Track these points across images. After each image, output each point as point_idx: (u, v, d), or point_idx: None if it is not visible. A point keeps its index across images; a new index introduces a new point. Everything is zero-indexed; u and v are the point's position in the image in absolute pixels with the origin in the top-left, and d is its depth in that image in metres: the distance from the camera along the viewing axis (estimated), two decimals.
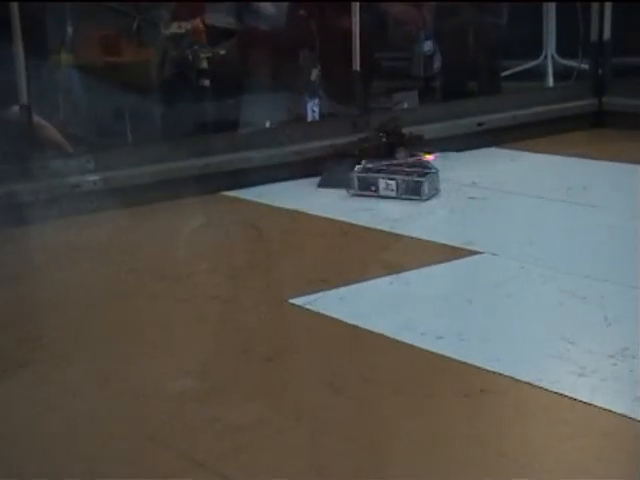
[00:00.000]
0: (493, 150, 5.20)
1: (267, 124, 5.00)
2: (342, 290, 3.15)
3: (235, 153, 4.56)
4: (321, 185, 4.50)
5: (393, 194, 4.22)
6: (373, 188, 4.28)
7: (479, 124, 5.25)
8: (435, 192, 4.25)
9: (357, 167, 4.39)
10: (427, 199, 4.20)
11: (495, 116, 5.32)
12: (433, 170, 4.32)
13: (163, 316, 3.03)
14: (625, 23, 5.74)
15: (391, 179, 4.24)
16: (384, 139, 4.66)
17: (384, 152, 4.58)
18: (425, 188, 4.20)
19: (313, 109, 5.34)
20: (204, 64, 4.83)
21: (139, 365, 2.67)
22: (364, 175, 4.32)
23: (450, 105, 5.37)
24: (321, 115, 5.38)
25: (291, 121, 5.26)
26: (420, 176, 4.24)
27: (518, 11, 6.24)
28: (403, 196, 4.21)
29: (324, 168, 4.56)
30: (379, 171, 4.32)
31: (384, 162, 4.34)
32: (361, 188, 4.31)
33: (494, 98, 5.56)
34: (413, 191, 4.22)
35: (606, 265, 3.36)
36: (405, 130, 4.76)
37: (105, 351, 2.75)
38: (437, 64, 5.93)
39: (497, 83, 6.06)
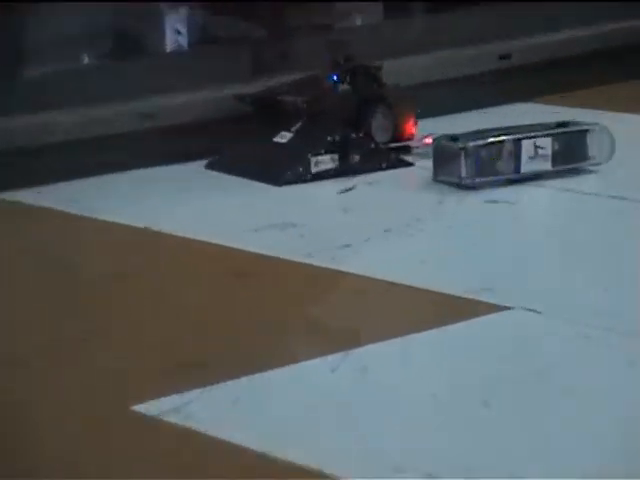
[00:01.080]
0: (531, 107, 5.35)
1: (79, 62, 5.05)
2: (236, 385, 3.18)
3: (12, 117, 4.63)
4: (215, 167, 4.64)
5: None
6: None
7: (502, 57, 5.36)
8: None
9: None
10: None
11: (534, 41, 5.47)
12: None
13: None
14: None
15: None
16: (343, 84, 4.80)
17: (352, 115, 4.72)
18: None
19: (177, 28, 5.37)
20: None
21: None
22: None
23: (444, 19, 5.46)
24: (193, 40, 5.42)
25: (131, 54, 5.30)
26: None
27: None
28: None
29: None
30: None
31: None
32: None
33: (535, 5, 5.67)
34: None
35: None
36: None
37: None
38: None
39: None
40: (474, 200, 4.42)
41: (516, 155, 4.47)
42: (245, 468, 2.89)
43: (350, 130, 4.65)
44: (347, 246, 4.03)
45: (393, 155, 4.69)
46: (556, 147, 4.51)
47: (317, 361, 3.32)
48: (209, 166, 4.71)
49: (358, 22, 5.79)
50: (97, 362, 3.41)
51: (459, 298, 3.66)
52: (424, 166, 4.68)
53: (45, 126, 4.64)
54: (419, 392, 3.21)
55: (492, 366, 3.32)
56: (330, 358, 3.32)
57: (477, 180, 4.43)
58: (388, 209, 4.35)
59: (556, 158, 4.51)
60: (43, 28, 5.03)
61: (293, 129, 4.64)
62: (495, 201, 4.29)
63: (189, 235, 4.18)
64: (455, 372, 3.33)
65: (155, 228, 4.23)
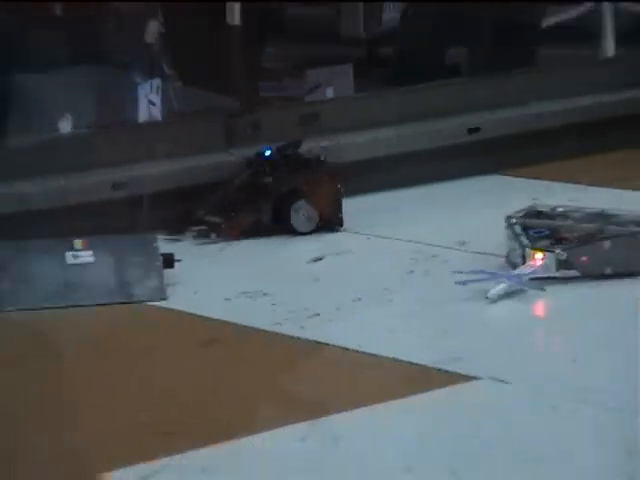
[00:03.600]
0: (497, 179, 5.38)
1: (60, 129, 5.04)
2: (206, 454, 3.16)
3: None
4: None
5: None
6: None
7: (471, 130, 5.38)
8: None
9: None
10: None
11: (500, 115, 5.47)
12: None
13: None
14: None
15: None
16: (266, 177, 4.76)
17: (265, 209, 4.68)
18: None
19: (150, 99, 5.39)
20: None
21: None
22: None
23: (413, 94, 5.47)
24: (166, 112, 5.44)
25: (107, 124, 5.30)
26: None
27: None
28: None
29: None
30: None
31: None
32: None
33: (501, 81, 5.69)
34: None
35: None
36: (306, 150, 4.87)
37: None
38: (389, 14, 6.06)
39: (525, 48, 6.20)
40: (442, 271, 4.40)
41: None
42: None
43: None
44: (315, 315, 4.01)
45: None
46: None
47: (286, 429, 3.30)
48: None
49: (328, 94, 5.81)
50: (62, 431, 3.39)
51: (427, 368, 3.64)
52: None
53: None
54: (388, 461, 3.20)
55: (460, 435, 3.31)
56: (299, 426, 3.30)
57: None
58: (357, 279, 4.31)
59: None
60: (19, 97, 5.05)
61: None
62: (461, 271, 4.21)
63: (165, 305, 4.18)
64: (423, 441, 3.32)
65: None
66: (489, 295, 3.81)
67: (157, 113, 5.41)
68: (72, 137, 4.99)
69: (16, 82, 5.10)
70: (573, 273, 3.95)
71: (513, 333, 3.94)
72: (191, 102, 5.52)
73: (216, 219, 4.66)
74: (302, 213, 4.68)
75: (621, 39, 6.77)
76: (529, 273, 3.92)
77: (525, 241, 4.03)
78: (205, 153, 4.95)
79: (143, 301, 4.20)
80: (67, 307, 4.19)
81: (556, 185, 5.21)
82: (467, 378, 3.57)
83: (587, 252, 3.98)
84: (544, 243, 4.01)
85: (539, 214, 4.24)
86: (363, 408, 3.42)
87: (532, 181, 5.28)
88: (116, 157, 4.84)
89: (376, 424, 3.37)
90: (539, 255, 3.95)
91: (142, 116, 5.38)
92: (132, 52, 5.43)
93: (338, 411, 3.39)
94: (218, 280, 4.39)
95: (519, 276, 3.89)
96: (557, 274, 3.93)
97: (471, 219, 4.84)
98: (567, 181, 5.24)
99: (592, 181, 5.24)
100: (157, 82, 5.40)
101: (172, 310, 4.15)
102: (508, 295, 3.84)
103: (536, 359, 3.76)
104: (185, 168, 4.88)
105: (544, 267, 3.93)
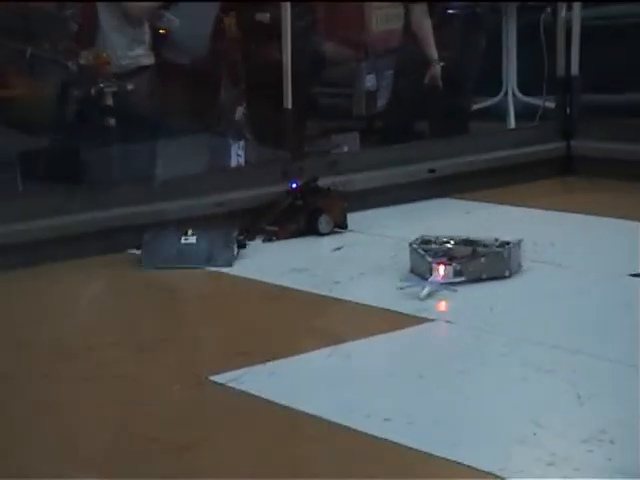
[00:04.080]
0: (447, 201, 5.27)
1: (183, 170, 5.01)
2: (272, 365, 3.14)
3: (145, 204, 4.56)
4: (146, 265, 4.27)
5: None
6: None
7: (430, 171, 5.31)
8: None
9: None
10: None
11: (448, 162, 5.39)
12: None
13: (58, 399, 2.98)
14: (595, 56, 5.90)
15: None
16: (298, 201, 4.69)
17: (301, 221, 4.63)
18: None
19: (238, 153, 5.38)
20: (109, 101, 4.83)
21: (27, 460, 2.62)
22: None
23: (396, 149, 5.44)
24: (247, 160, 5.42)
25: (212, 167, 5.29)
26: None
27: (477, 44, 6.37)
28: None
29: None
30: None
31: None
32: None
33: (448, 141, 5.65)
34: None
35: (577, 334, 3.39)
36: (328, 184, 4.79)
37: None
38: (381, 101, 6.02)
39: (462, 123, 6.16)
40: None
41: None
42: (274, 415, 2.86)
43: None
44: (337, 282, 3.98)
45: None
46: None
47: (319, 351, 3.29)
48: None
49: (345, 149, 5.79)
50: (183, 351, 3.36)
51: (405, 314, 3.59)
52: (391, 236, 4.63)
53: None
54: (380, 369, 3.18)
55: (425, 354, 3.29)
56: (326, 349, 3.29)
57: None
58: (363, 261, 4.27)
59: None
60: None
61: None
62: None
63: (245, 275, 4.12)
64: (403, 355, 3.30)
65: (223, 270, 4.16)
66: (420, 296, 3.68)
67: (242, 161, 5.40)
68: (193, 176, 4.93)
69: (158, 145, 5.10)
70: (463, 279, 3.81)
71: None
72: (262, 155, 5.49)
73: (273, 228, 4.62)
74: (324, 221, 4.64)
75: (518, 117, 6.76)
76: (440, 280, 3.77)
77: (429, 258, 3.85)
78: (270, 185, 4.91)
79: (221, 265, 4.16)
80: (180, 268, 4.16)
81: (480, 203, 5.16)
82: (427, 320, 3.55)
83: (472, 265, 3.86)
84: (443, 259, 3.84)
85: (428, 241, 4.03)
86: (366, 338, 3.39)
87: (467, 202, 5.23)
88: (218, 187, 4.82)
89: (373, 347, 3.36)
90: (442, 267, 3.79)
91: (233, 163, 5.37)
92: (227, 125, 5.42)
93: (350, 340, 3.37)
94: (274, 261, 4.32)
95: (435, 282, 3.74)
96: (454, 279, 3.78)
97: (431, 223, 4.82)
98: (487, 201, 5.19)
99: (500, 201, 5.19)
100: (242, 143, 5.40)
101: (244, 278, 4.08)
102: (431, 294, 3.71)
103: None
104: (258, 194, 4.84)
105: (445, 276, 3.79)
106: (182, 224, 4.37)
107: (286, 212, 4.66)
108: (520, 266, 3.98)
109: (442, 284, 3.76)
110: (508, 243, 3.98)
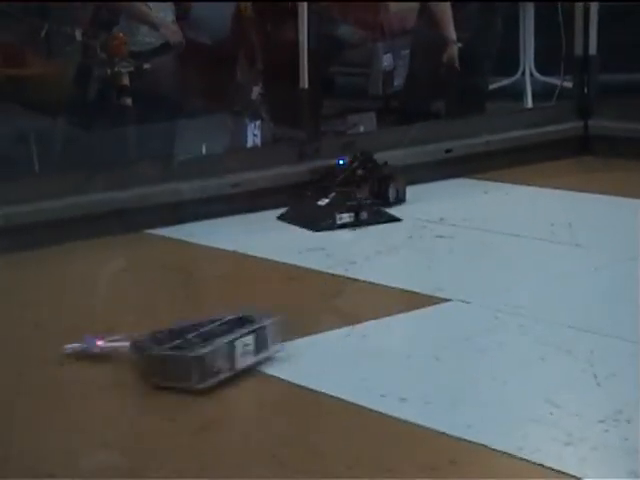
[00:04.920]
0: (463, 181, 5.25)
1: (200, 151, 5.01)
2: (289, 345, 3.14)
3: (162, 185, 4.56)
4: (282, 218, 4.55)
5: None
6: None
7: (447, 151, 5.30)
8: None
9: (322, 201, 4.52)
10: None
11: (465, 142, 5.38)
12: None
13: (77, 380, 2.98)
14: (613, 35, 5.87)
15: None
16: (359, 171, 4.72)
17: (373, 190, 4.67)
18: None
19: (254, 133, 5.38)
20: (125, 80, 4.83)
21: (47, 443, 2.63)
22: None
23: (413, 128, 5.42)
24: (263, 140, 5.42)
25: (229, 147, 5.29)
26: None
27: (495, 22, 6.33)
28: None
29: (290, 199, 4.64)
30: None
31: None
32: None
33: (464, 121, 5.63)
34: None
35: (595, 314, 3.39)
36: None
37: None
38: (398, 81, 6.00)
39: (479, 103, 6.14)
40: (429, 234, 4.34)
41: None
42: (290, 395, 2.87)
43: (363, 198, 4.59)
44: (353, 263, 3.99)
45: (387, 214, 4.57)
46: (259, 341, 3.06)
47: (338, 330, 3.30)
48: (279, 218, 4.60)
49: (361, 129, 5.78)
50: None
51: (419, 293, 3.60)
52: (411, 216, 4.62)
53: None
54: (395, 348, 3.19)
55: (441, 334, 3.29)
56: (345, 329, 3.30)
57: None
58: (378, 242, 4.27)
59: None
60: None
61: (329, 196, 4.57)
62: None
63: (262, 255, 4.12)
64: (419, 335, 3.30)
65: (241, 251, 4.17)
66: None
67: (258, 141, 5.40)
68: (210, 156, 4.93)
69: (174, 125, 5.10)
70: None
71: None
72: (278, 135, 5.49)
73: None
74: (393, 190, 4.70)
75: (534, 97, 6.73)
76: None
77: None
78: (286, 165, 4.90)
79: None
80: None
81: (497, 184, 5.15)
82: (444, 300, 3.54)
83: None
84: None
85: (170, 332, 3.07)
86: (381, 318, 3.39)
87: (484, 182, 5.22)
88: (235, 167, 4.82)
89: (390, 327, 3.36)
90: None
91: (249, 143, 5.37)
92: (244, 105, 5.41)
93: (367, 320, 3.37)
94: (289, 241, 4.32)
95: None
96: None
97: (448, 203, 4.82)
98: (504, 181, 5.18)
99: (517, 181, 5.18)
100: (258, 123, 5.39)
101: (260, 258, 4.07)
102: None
103: None
104: (274, 174, 4.85)
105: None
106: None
107: (348, 181, 4.68)
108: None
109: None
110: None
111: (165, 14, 5.09)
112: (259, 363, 3.00)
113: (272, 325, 3.06)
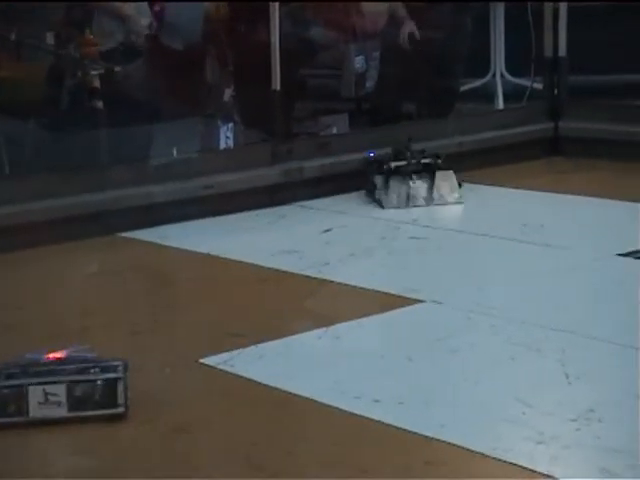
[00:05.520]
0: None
1: (173, 153, 5.00)
2: (262, 347, 3.15)
3: (134, 187, 4.55)
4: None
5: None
6: None
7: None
8: None
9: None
10: None
11: (437, 143, 5.38)
12: None
13: None
14: (583, 37, 5.90)
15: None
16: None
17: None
18: None
19: (227, 135, 5.37)
20: (96, 83, 4.81)
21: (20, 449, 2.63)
22: None
23: (385, 130, 5.43)
24: (236, 142, 5.41)
25: (201, 150, 5.28)
26: None
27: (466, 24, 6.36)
28: None
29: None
30: None
31: None
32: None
33: (436, 122, 5.64)
34: None
35: (566, 314, 3.41)
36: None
37: None
38: (370, 83, 6.01)
39: (449, 104, 6.15)
40: (402, 236, 4.34)
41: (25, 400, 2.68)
42: (264, 397, 2.87)
43: None
44: (327, 264, 3.99)
45: None
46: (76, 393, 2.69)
47: (310, 332, 3.30)
48: None
49: (334, 131, 5.78)
50: (175, 334, 3.37)
51: (393, 295, 3.61)
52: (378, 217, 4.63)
53: None
54: (368, 349, 3.19)
55: (414, 335, 3.30)
56: (317, 331, 3.30)
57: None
58: (352, 243, 4.27)
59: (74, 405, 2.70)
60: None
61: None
62: None
63: (235, 257, 4.11)
64: (393, 336, 3.31)
65: (214, 253, 4.17)
66: None
67: (231, 143, 5.39)
68: (182, 159, 4.92)
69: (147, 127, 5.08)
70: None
71: None
72: (250, 137, 5.48)
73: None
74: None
75: (506, 98, 6.75)
76: None
77: None
78: (259, 167, 4.90)
79: None
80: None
81: (468, 185, 5.11)
82: (417, 301, 3.55)
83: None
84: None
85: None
86: (354, 319, 3.40)
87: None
88: (207, 169, 4.81)
89: (363, 328, 3.36)
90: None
91: (222, 145, 5.36)
92: (216, 107, 5.40)
93: (340, 321, 3.37)
94: (263, 243, 4.31)
95: None
96: None
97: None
98: (475, 182, 5.18)
99: (489, 182, 5.18)
100: (230, 125, 5.38)
101: (234, 260, 4.07)
102: None
103: None
104: (248, 177, 4.84)
105: None
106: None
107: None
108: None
109: None
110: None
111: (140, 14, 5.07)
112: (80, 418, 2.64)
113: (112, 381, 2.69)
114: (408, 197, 4.78)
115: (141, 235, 4.39)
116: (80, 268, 4.05)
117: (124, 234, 4.37)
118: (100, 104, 4.88)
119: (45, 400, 2.66)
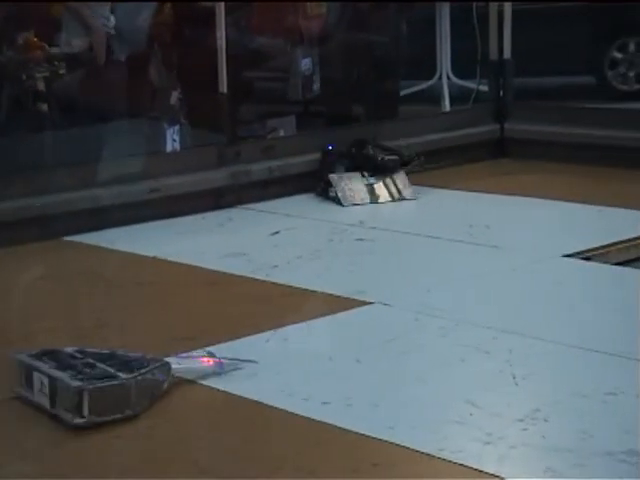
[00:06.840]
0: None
1: (119, 156, 4.96)
2: (211, 350, 3.12)
3: (79, 191, 4.51)
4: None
5: None
6: None
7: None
8: None
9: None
10: None
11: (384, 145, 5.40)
12: None
13: None
14: (527, 39, 5.95)
15: None
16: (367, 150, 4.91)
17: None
18: None
19: (173, 138, 5.35)
20: (41, 85, 4.77)
21: None
22: None
23: (331, 132, 5.43)
24: (183, 145, 5.39)
25: (147, 152, 5.25)
26: None
27: (409, 27, 6.39)
28: None
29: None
30: None
31: None
32: None
33: (382, 124, 5.66)
34: None
35: (513, 315, 3.43)
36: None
37: None
38: (317, 85, 6.02)
39: (392, 106, 6.17)
40: (349, 238, 4.35)
41: None
42: (211, 400, 2.85)
43: None
44: (275, 267, 3.98)
45: None
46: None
47: (259, 335, 3.29)
48: None
49: (281, 133, 5.78)
50: (121, 338, 3.34)
51: (341, 297, 3.61)
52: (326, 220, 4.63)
53: None
54: (317, 350, 3.19)
55: (362, 337, 3.30)
56: (266, 334, 3.29)
57: None
58: (299, 246, 4.27)
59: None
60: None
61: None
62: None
63: (183, 260, 4.10)
64: (341, 338, 3.31)
65: (161, 257, 4.15)
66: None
67: (177, 146, 5.37)
68: (128, 162, 4.88)
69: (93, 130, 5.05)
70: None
71: None
72: (197, 139, 5.47)
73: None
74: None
75: (452, 100, 6.80)
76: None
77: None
78: (206, 170, 4.88)
79: None
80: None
81: (414, 187, 5.15)
82: (366, 303, 3.55)
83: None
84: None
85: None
86: (302, 322, 3.39)
87: None
88: (154, 172, 4.79)
89: (312, 331, 3.36)
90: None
91: (169, 148, 5.34)
92: (162, 110, 5.38)
93: (288, 324, 3.36)
94: (210, 246, 4.29)
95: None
96: None
97: (368, 206, 4.83)
98: (421, 184, 5.19)
99: (434, 184, 5.21)
100: (177, 127, 5.36)
101: (181, 263, 4.05)
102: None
103: None
104: (195, 180, 4.83)
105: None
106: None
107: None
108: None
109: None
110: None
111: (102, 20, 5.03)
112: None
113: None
114: (366, 193, 4.79)
115: (87, 239, 4.35)
116: (25, 273, 4.01)
117: (69, 238, 4.33)
118: (45, 107, 4.83)
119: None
